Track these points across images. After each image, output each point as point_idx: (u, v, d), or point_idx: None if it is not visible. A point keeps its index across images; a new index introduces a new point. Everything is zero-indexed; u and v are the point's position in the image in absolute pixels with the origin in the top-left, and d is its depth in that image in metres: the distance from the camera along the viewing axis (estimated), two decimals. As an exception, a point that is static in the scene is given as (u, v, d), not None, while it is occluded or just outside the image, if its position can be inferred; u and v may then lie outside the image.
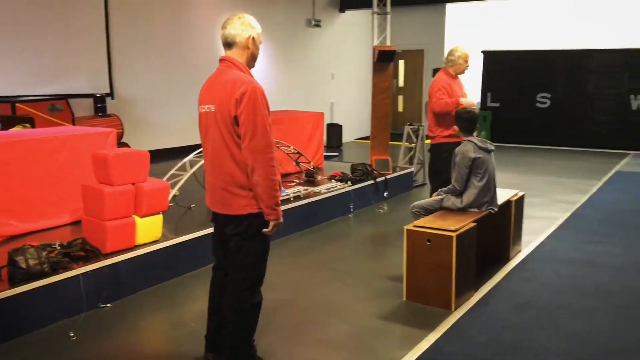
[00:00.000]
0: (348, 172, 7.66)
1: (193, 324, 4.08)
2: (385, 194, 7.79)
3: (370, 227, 6.75)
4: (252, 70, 3.18)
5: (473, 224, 4.49)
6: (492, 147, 4.92)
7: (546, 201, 7.84)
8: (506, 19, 14.01)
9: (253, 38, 3.16)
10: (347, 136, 13.67)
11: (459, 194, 4.86)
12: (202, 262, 5.08)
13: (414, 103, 15.49)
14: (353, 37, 14.35)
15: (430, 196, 5.82)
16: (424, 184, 8.75)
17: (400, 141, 9.16)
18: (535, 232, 6.29)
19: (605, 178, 9.53)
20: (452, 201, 4.87)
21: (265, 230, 3.13)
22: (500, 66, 13.83)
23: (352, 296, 4.62)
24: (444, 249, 4.21)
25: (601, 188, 8.75)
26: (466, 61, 5.90)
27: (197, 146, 9.93)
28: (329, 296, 4.63)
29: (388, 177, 7.85)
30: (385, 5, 8.68)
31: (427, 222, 4.46)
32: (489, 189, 4.86)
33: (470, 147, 4.79)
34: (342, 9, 13.81)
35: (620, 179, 9.48)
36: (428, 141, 6.60)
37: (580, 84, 13.11)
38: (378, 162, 8.06)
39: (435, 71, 14.53)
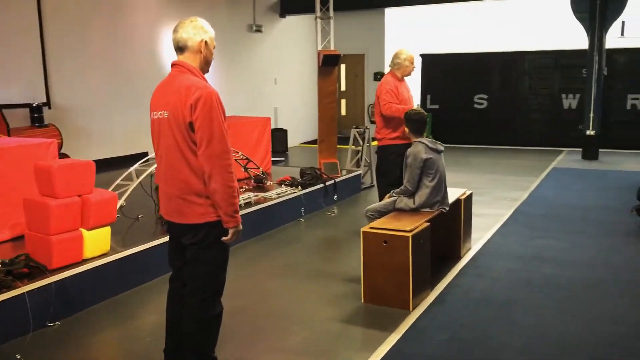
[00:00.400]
0: (297, 176, 7.64)
1: (149, 338, 3.95)
2: (335, 197, 7.81)
3: (322, 230, 6.75)
4: None
5: (427, 224, 4.55)
6: (442, 148, 5.01)
7: (489, 199, 8.05)
8: (443, 23, 14.36)
9: (206, 42, 3.10)
10: (292, 141, 13.65)
11: (411, 194, 4.92)
12: (154, 273, 4.94)
13: (356, 107, 15.64)
14: (295, 42, 14.37)
15: (380, 198, 5.90)
16: (371, 186, 8.83)
17: (344, 145, 9.21)
18: (482, 229, 6.45)
19: (543, 175, 9.89)
20: (404, 202, 4.92)
21: (224, 238, 3.06)
22: (439, 69, 14.16)
23: (311, 301, 4.59)
24: (400, 249, 4.24)
25: (540, 184, 9.08)
26: (412, 63, 5.99)
27: (142, 155, 9.70)
28: (288, 302, 4.59)
29: (337, 180, 7.87)
30: (328, 10, 8.72)
31: (383, 224, 4.48)
32: (440, 188, 4.94)
33: (421, 148, 4.85)
34: (282, 14, 13.79)
35: (557, 175, 9.87)
36: (374, 143, 6.65)
37: (515, 85, 13.60)
38: (326, 166, 8.08)
39: (377, 75, 14.79)
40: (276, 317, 4.28)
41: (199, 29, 3.07)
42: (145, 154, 9.77)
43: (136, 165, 6.28)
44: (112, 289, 4.62)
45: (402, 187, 4.98)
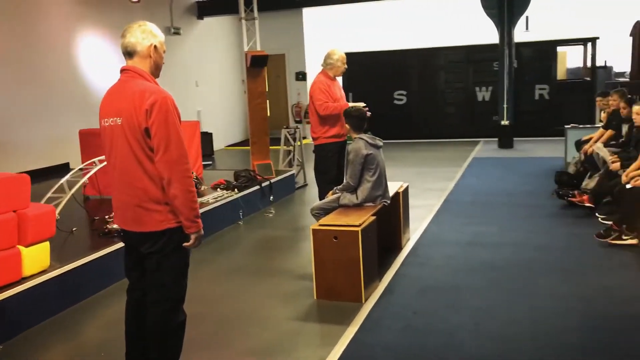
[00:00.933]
0: (230, 179, 7.57)
1: (102, 353, 3.83)
2: (271, 197, 7.82)
3: (263, 231, 6.75)
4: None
5: (373, 217, 4.67)
6: (381, 143, 5.16)
7: (419, 191, 8.31)
8: (361, 22, 14.66)
9: (155, 46, 3.06)
10: (218, 144, 13.50)
11: (354, 190, 5.03)
12: (96, 287, 4.79)
13: (279, 107, 15.65)
14: (214, 44, 14.20)
15: (320, 196, 5.98)
16: (305, 185, 8.91)
17: (272, 145, 9.22)
18: (418, 220, 6.66)
19: (465, 165, 10.34)
20: (348, 198, 5.02)
21: (186, 244, 3.03)
22: (359, 67, 14.34)
23: (264, 302, 4.60)
24: (350, 244, 4.33)
25: (464, 174, 9.49)
26: (344, 63, 6.10)
27: (63, 166, 9.29)
28: (242, 305, 4.57)
29: (272, 181, 7.88)
30: (252, 10, 8.71)
31: (331, 220, 4.57)
32: (381, 183, 5.09)
33: (362, 144, 4.97)
34: (200, 16, 13.61)
35: (478, 165, 10.35)
36: (305, 141, 6.72)
37: (432, 80, 14.12)
38: (260, 167, 8.07)
39: (299, 74, 14.86)
40: (233, 322, 4.26)
41: (147, 33, 3.02)
42: (67, 164, 9.38)
43: (67, 177, 6.03)
44: (55, 306, 4.43)
45: (344, 184, 5.09)
